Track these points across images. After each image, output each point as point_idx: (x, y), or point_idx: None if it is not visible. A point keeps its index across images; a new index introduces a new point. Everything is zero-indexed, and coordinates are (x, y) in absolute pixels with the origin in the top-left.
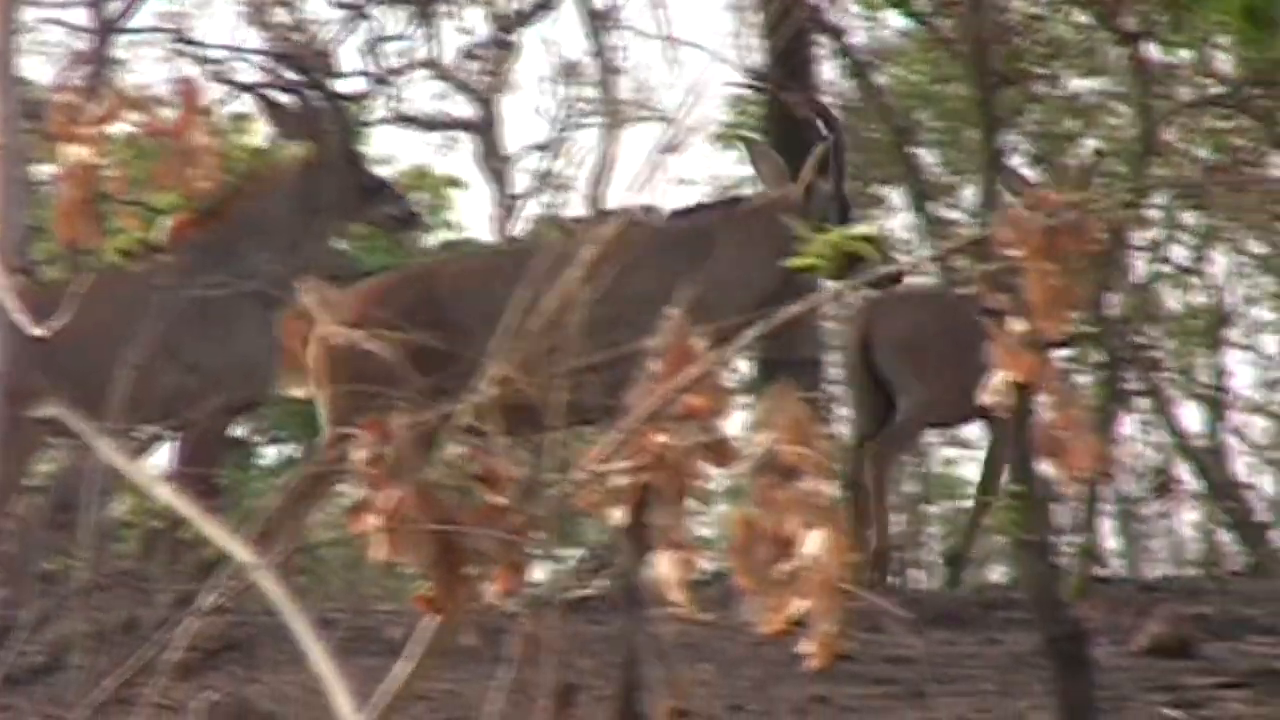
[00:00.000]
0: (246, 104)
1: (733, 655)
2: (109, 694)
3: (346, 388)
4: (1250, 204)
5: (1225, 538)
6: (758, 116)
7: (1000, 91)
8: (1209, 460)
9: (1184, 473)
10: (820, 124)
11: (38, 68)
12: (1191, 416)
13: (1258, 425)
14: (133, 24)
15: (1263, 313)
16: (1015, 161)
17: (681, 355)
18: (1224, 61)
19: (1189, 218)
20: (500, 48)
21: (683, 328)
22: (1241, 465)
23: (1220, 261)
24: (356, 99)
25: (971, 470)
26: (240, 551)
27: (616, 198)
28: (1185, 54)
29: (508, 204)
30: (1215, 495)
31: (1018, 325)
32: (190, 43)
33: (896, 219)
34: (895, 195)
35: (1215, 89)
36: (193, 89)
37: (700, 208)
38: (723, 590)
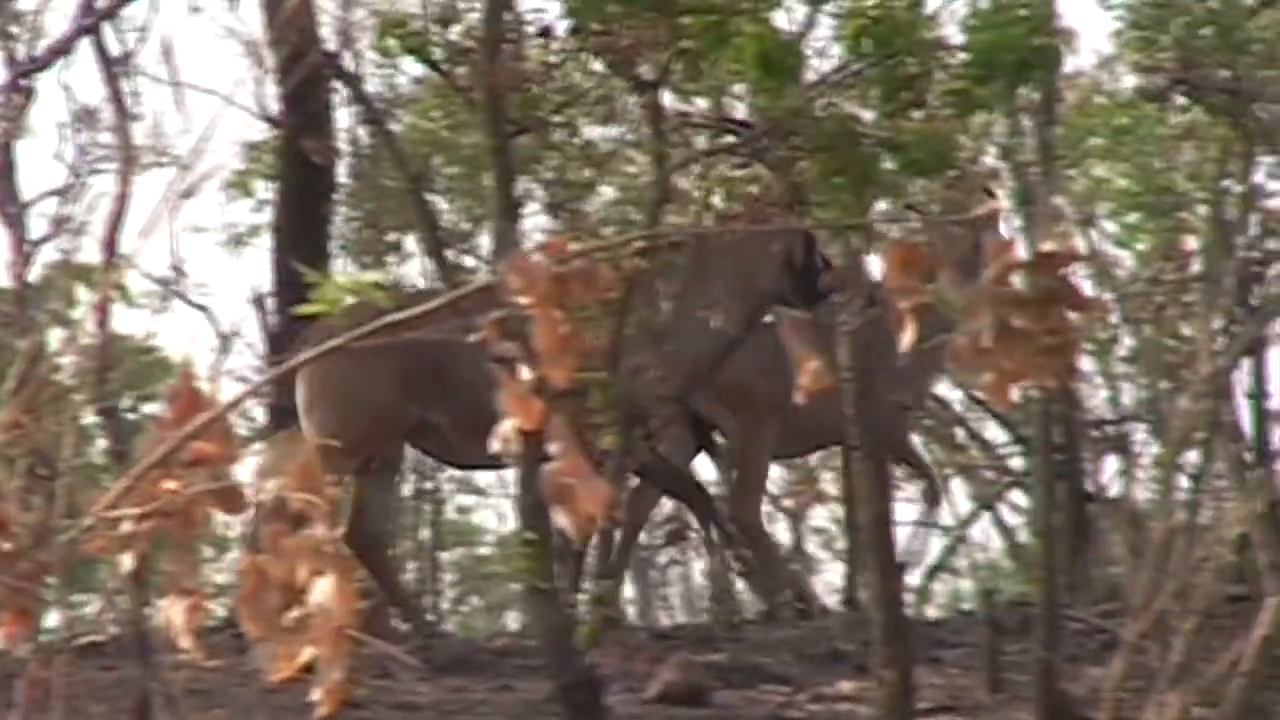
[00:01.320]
0: None
1: (244, 701)
2: None
3: None
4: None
5: (739, 585)
6: (273, 163)
7: (516, 139)
8: (721, 509)
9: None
10: None
11: None
12: (706, 466)
13: (773, 474)
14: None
15: None
16: (531, 209)
17: (191, 401)
18: (739, 110)
19: None
20: (16, 93)
21: (191, 375)
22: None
23: None
24: None
25: (488, 517)
26: None
27: (131, 243)
28: (701, 102)
29: (26, 249)
30: (729, 543)
31: (526, 373)
32: None
33: (412, 265)
34: (410, 242)
35: (730, 138)
36: None
37: None
38: (234, 636)
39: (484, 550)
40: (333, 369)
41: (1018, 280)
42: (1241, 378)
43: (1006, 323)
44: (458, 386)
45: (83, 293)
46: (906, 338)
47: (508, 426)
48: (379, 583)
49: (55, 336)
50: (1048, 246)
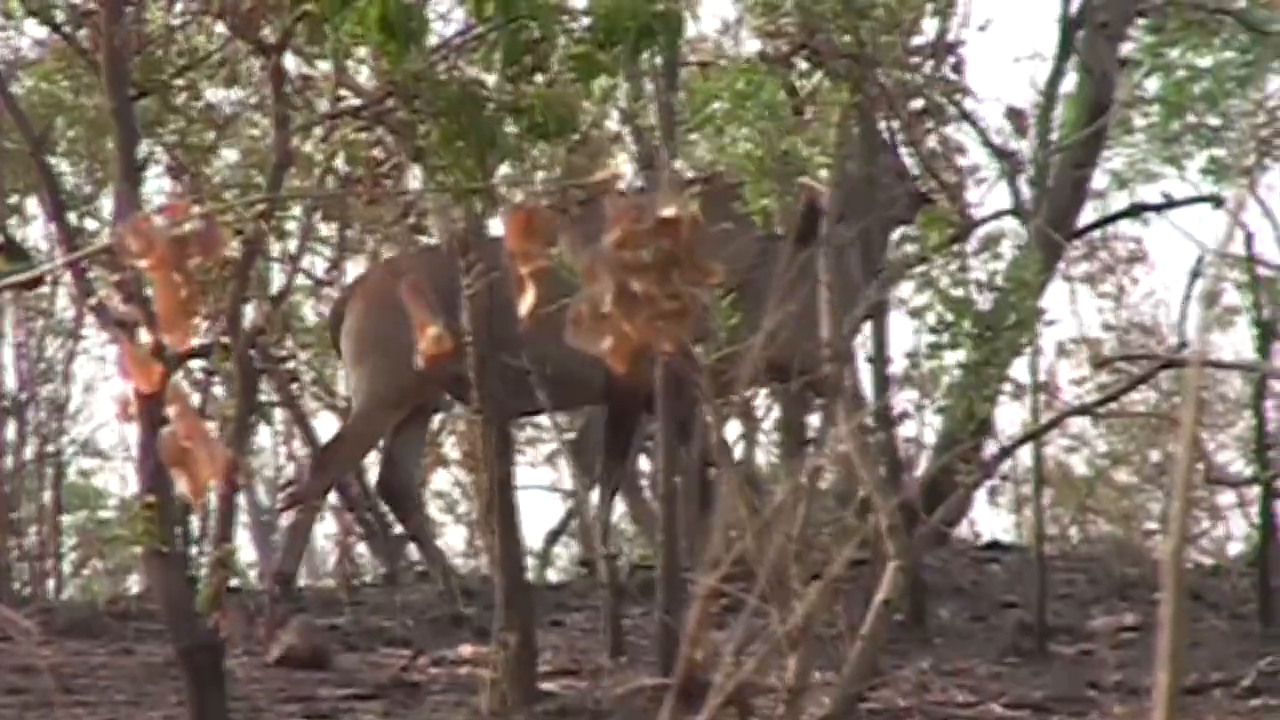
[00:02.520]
0: None
1: None
2: None
3: None
4: (389, 217)
5: (361, 549)
6: None
7: (138, 102)
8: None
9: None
10: None
11: None
12: (328, 428)
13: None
14: None
15: None
16: (155, 171)
17: None
18: (362, 74)
19: (326, 229)
20: None
21: None
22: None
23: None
24: None
25: (110, 480)
26: None
27: None
28: (323, 66)
29: None
30: (350, 507)
31: (145, 335)
32: None
33: (34, 228)
34: (32, 205)
35: (353, 101)
36: None
37: None
38: None
39: (106, 514)
40: (382, 321)
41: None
42: (863, 342)
43: (627, 288)
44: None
45: None
46: (525, 302)
47: (125, 390)
48: (408, 531)
49: None
50: (668, 212)
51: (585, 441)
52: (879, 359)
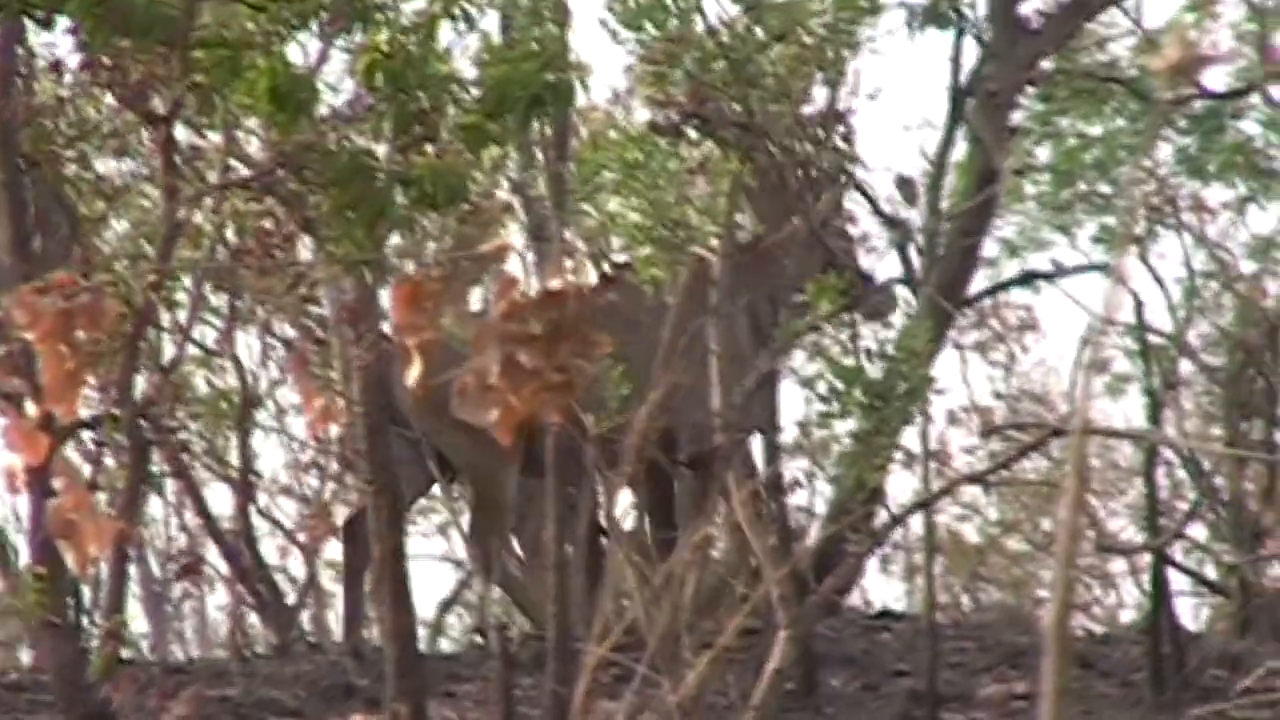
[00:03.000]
0: None
1: None
2: None
3: None
4: (279, 287)
5: (253, 620)
6: None
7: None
8: (237, 542)
9: (213, 554)
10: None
11: None
12: (220, 498)
13: (286, 507)
14: None
15: (290, 395)
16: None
17: None
18: (252, 145)
19: (216, 300)
20: None
21: None
22: (270, 547)
23: (248, 344)
24: None
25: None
26: None
27: None
28: (213, 136)
29: None
30: (243, 577)
31: (31, 408)
32: None
33: None
34: None
35: (243, 171)
36: None
37: None
38: None
39: None
40: None
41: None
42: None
43: (513, 359)
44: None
45: None
46: (412, 373)
47: (12, 463)
48: None
49: None
50: (556, 283)
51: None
52: (770, 427)
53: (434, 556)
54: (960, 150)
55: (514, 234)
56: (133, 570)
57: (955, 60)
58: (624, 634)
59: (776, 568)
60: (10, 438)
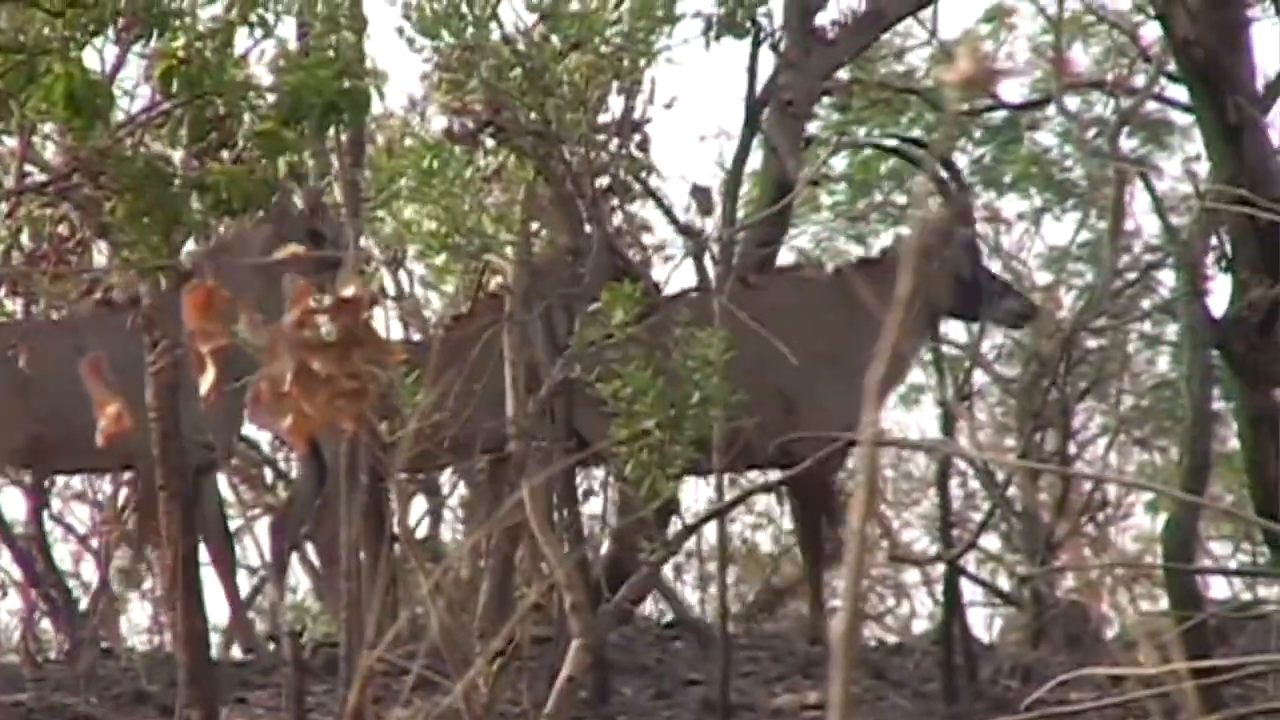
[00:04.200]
0: None
1: None
2: None
3: None
4: (74, 292)
5: (45, 625)
6: None
7: None
8: (29, 547)
9: (5, 559)
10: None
11: None
12: (13, 503)
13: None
14: None
15: None
16: None
17: None
18: (47, 150)
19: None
20: None
21: None
22: (63, 552)
23: None
24: None
25: None
26: None
27: None
28: (9, 141)
29: None
30: (35, 583)
31: None
32: None
33: None
34: None
35: (39, 177)
36: None
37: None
38: None
39: None
40: None
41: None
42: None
43: (307, 366)
44: None
45: None
46: (206, 381)
47: None
48: None
49: None
50: (349, 291)
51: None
52: (566, 437)
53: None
54: (756, 160)
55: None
56: None
57: (752, 70)
58: (415, 640)
59: (570, 576)
60: None
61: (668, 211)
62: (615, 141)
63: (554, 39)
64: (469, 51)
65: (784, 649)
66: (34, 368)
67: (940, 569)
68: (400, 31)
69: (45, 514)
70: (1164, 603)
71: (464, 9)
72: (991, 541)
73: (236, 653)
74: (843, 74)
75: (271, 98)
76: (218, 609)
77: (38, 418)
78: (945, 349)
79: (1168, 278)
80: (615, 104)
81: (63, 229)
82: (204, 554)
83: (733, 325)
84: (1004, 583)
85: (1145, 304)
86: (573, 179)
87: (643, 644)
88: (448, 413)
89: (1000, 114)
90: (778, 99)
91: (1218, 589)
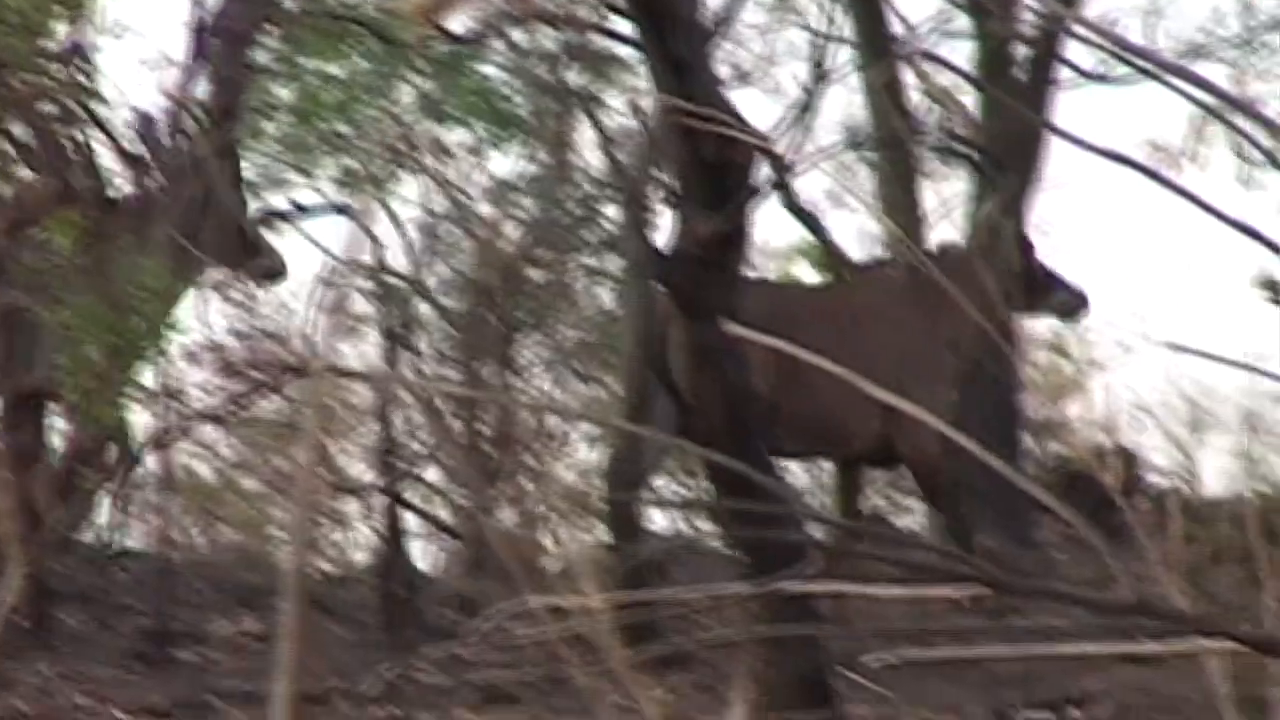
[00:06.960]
0: None
1: None
2: None
3: None
4: None
5: None
6: None
7: None
8: None
9: None
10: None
11: None
12: None
13: None
14: None
15: None
16: None
17: None
18: None
19: None
20: None
21: None
22: None
23: None
24: None
25: None
26: None
27: None
28: None
29: None
30: None
31: None
32: None
33: None
34: None
35: None
36: None
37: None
38: None
39: None
40: None
41: None
42: None
43: None
44: None
45: None
46: None
47: None
48: None
49: None
50: None
51: None
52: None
53: None
54: (202, 88)
55: None
56: None
57: None
58: None
59: (9, 502)
60: None
61: (114, 139)
62: (61, 67)
63: None
64: None
65: (225, 579)
66: None
67: (382, 500)
68: None
69: None
70: (605, 535)
71: None
72: (433, 473)
73: None
74: (289, 3)
75: None
76: None
77: None
78: (389, 279)
79: (613, 212)
80: (60, 30)
81: None
82: None
83: (825, 324)
84: (445, 514)
85: (589, 237)
86: (18, 103)
87: (84, 572)
88: None
89: (446, 46)
90: (223, 26)
91: (659, 522)
